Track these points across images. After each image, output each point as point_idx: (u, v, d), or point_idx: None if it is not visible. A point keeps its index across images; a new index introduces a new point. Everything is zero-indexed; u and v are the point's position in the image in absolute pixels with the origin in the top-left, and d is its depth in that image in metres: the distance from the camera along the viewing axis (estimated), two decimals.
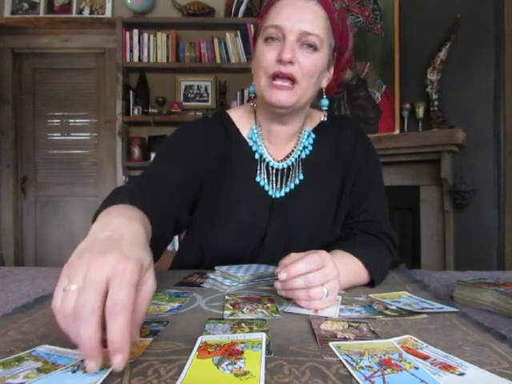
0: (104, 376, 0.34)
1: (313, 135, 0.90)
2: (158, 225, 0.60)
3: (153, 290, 0.41)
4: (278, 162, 0.87)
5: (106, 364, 0.36)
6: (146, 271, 0.41)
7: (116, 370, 0.35)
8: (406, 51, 2.45)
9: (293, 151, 0.88)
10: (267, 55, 0.76)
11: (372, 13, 2.59)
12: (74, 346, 0.41)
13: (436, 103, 2.30)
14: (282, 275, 0.54)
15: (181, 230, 0.87)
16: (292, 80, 0.76)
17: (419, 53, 2.39)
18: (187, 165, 0.82)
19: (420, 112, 2.33)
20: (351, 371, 0.36)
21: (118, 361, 0.35)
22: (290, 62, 0.74)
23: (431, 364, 0.37)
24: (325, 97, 0.86)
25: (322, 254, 0.57)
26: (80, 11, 3.14)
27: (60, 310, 0.36)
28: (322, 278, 0.54)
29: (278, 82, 0.76)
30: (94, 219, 0.54)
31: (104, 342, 0.35)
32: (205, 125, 0.89)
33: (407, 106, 2.38)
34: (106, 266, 0.37)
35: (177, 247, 2.89)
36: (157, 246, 0.62)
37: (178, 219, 0.80)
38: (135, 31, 2.97)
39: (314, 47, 0.76)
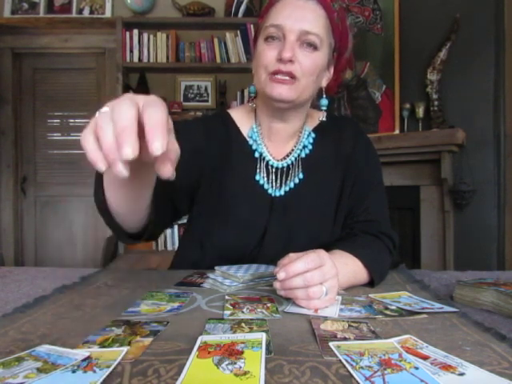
0: (104, 376, 0.34)
1: (313, 135, 0.90)
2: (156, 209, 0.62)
3: (178, 152, 0.43)
4: (278, 160, 0.88)
5: (106, 364, 0.36)
6: (170, 132, 0.42)
7: (154, 154, 0.37)
8: (406, 51, 2.45)
9: (293, 150, 0.89)
10: (267, 54, 0.77)
11: (372, 13, 2.59)
12: (73, 346, 0.41)
13: (436, 103, 2.30)
14: (281, 275, 0.54)
15: (180, 215, 0.88)
16: (292, 77, 0.76)
17: (419, 53, 2.39)
18: (186, 162, 0.82)
19: (420, 112, 2.33)
20: (351, 371, 0.36)
21: (157, 144, 0.36)
22: (290, 61, 0.74)
23: (431, 364, 0.37)
24: (324, 96, 0.87)
25: (321, 253, 0.57)
26: (80, 11, 3.14)
27: (90, 131, 0.39)
28: (320, 276, 0.54)
29: (279, 77, 0.76)
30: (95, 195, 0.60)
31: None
32: (205, 123, 0.89)
33: (407, 106, 2.38)
34: (138, 97, 0.41)
35: (176, 247, 2.89)
36: (156, 226, 0.68)
37: (176, 206, 0.81)
38: (135, 31, 2.97)
39: (313, 46, 0.77)
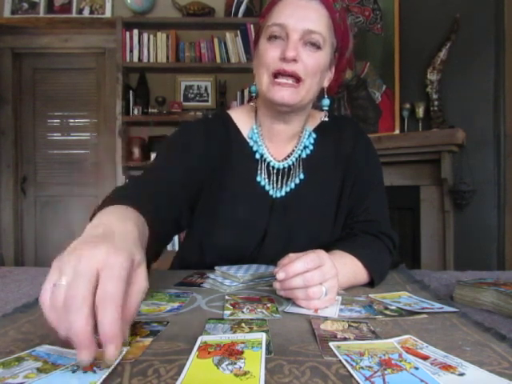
0: (104, 376, 0.34)
1: (314, 135, 0.90)
2: (157, 225, 0.60)
3: (144, 289, 0.41)
4: (279, 161, 0.87)
5: (105, 364, 0.36)
6: (138, 267, 0.41)
7: (108, 363, 0.35)
8: (406, 51, 2.45)
9: (293, 151, 0.88)
10: (270, 53, 0.76)
11: (372, 13, 2.59)
12: (69, 346, 0.41)
13: (436, 103, 2.30)
14: (281, 275, 0.54)
15: (181, 229, 0.87)
16: (296, 78, 0.76)
17: (419, 53, 2.39)
18: (187, 164, 0.83)
19: (420, 112, 2.33)
20: (351, 371, 0.36)
21: (110, 352, 0.35)
22: (294, 60, 0.74)
23: (431, 364, 0.37)
24: (326, 96, 0.86)
25: (320, 254, 0.57)
26: (80, 11, 3.13)
27: (49, 304, 0.36)
28: (319, 276, 0.54)
29: (282, 80, 0.75)
30: (91, 218, 0.55)
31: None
32: (205, 124, 0.89)
33: (407, 106, 2.38)
34: (96, 258, 0.37)
35: (176, 247, 2.89)
36: (156, 245, 0.63)
37: (178, 219, 0.81)
38: (135, 31, 2.97)
39: (317, 46, 0.76)
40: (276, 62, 0.75)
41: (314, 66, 0.76)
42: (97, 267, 0.37)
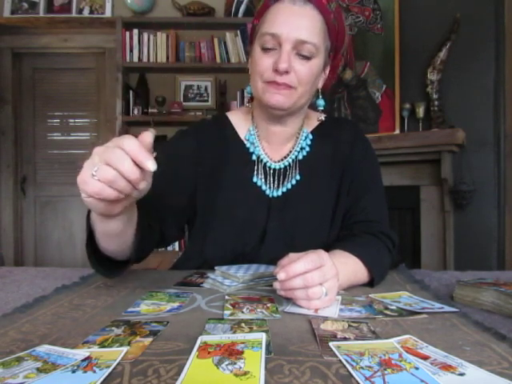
0: (104, 376, 0.34)
1: (310, 136, 0.90)
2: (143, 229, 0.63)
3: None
4: (275, 162, 0.88)
5: (105, 364, 0.36)
6: None
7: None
8: (406, 51, 2.45)
9: (290, 152, 0.89)
10: (264, 63, 0.76)
11: (372, 13, 2.59)
12: (73, 346, 0.41)
13: (436, 103, 2.30)
14: (281, 275, 0.54)
15: (165, 242, 0.86)
16: (289, 87, 0.76)
17: (419, 53, 2.39)
18: (174, 172, 0.83)
19: (420, 112, 2.33)
20: (351, 371, 0.36)
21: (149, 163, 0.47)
22: (286, 72, 0.74)
23: (431, 364, 0.37)
24: (321, 97, 0.87)
25: (320, 254, 0.57)
26: (80, 11, 3.13)
27: (92, 179, 0.50)
28: (320, 277, 0.54)
29: (275, 87, 0.76)
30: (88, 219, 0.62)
31: None
32: (197, 133, 0.90)
33: (407, 105, 2.38)
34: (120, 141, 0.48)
35: (177, 247, 2.90)
36: (139, 248, 0.66)
37: (162, 231, 0.80)
38: (135, 31, 2.97)
39: (309, 55, 0.76)
40: (269, 72, 0.76)
41: (306, 75, 0.77)
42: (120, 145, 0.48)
